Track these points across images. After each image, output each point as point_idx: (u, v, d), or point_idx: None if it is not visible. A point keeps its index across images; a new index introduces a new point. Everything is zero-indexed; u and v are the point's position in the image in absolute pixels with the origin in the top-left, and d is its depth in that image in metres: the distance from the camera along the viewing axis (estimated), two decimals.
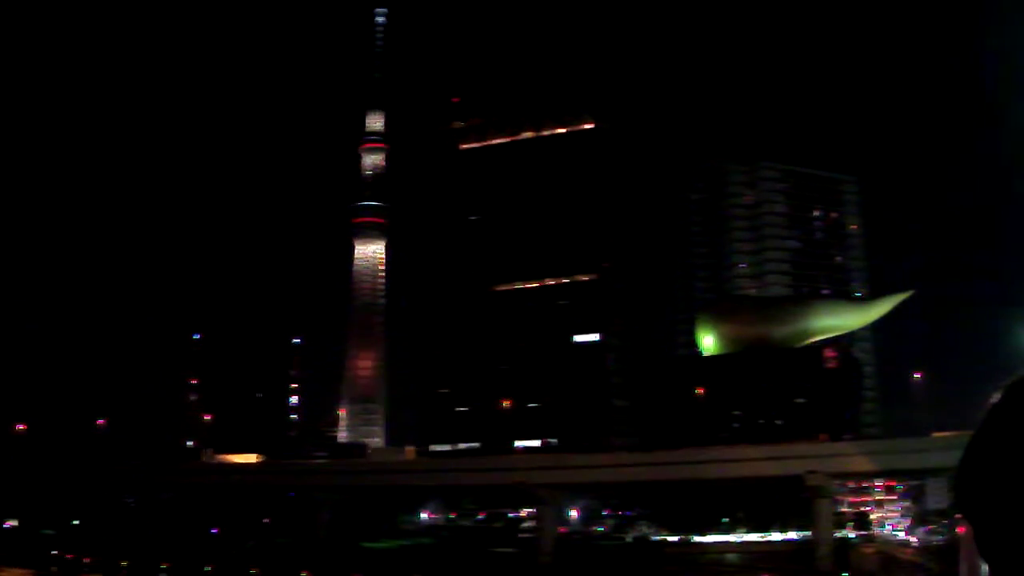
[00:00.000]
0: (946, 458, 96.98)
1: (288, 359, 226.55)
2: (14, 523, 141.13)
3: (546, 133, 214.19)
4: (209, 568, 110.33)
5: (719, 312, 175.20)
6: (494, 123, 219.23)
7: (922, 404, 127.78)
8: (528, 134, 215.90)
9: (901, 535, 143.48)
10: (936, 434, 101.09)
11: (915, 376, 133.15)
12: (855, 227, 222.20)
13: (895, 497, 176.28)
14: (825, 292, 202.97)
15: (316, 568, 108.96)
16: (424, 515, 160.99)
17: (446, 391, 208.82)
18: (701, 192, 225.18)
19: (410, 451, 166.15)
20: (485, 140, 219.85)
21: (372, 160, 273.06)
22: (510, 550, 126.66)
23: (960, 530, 60.07)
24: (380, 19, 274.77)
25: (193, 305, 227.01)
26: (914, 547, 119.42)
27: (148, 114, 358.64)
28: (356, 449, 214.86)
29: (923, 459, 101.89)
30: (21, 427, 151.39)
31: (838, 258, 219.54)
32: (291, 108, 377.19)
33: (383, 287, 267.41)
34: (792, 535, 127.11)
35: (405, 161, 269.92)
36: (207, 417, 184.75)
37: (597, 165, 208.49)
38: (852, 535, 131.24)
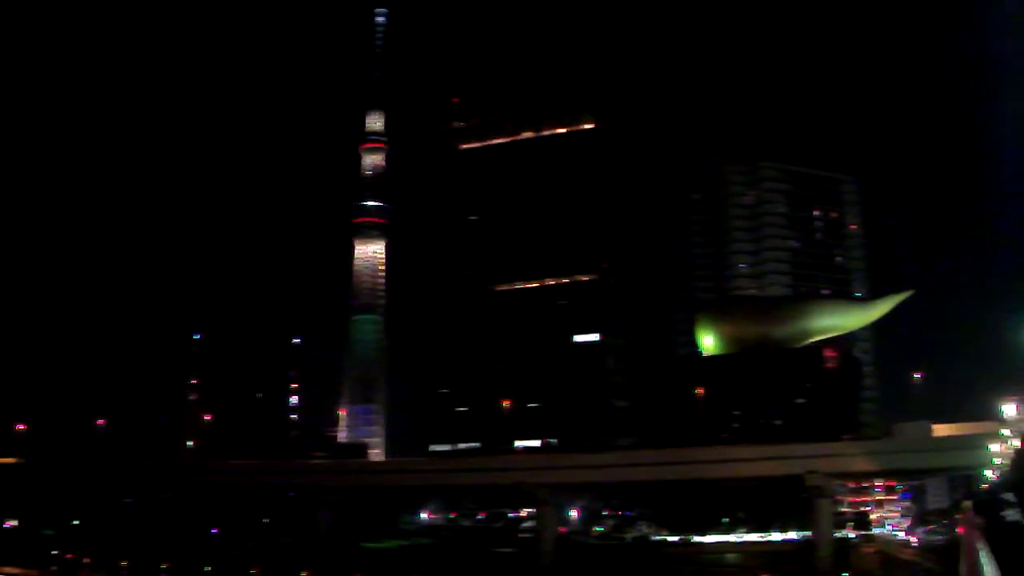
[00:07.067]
0: (946, 458, 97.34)
1: (288, 359, 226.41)
2: (14, 523, 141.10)
3: (546, 133, 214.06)
4: (209, 568, 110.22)
5: (719, 312, 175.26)
6: (494, 123, 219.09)
7: (922, 404, 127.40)
8: (528, 134, 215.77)
9: (901, 535, 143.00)
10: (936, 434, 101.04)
11: (915, 376, 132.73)
12: (855, 227, 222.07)
13: (895, 497, 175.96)
14: (825, 292, 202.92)
15: (316, 568, 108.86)
16: (424, 515, 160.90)
17: (446, 391, 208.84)
18: (701, 192, 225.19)
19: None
20: (485, 140, 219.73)
21: (372, 160, 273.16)
22: (510, 550, 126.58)
23: (960, 530, 59.96)
24: (380, 19, 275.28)
25: (193, 305, 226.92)
26: (914, 547, 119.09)
27: (148, 114, 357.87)
28: (356, 449, 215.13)
29: (923, 459, 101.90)
30: (21, 427, 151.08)
31: (838, 258, 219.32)
32: (291, 108, 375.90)
33: (383, 287, 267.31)
34: (792, 535, 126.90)
35: (405, 161, 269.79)
36: (207, 417, 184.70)
37: (597, 165, 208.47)
38: (852, 535, 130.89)
